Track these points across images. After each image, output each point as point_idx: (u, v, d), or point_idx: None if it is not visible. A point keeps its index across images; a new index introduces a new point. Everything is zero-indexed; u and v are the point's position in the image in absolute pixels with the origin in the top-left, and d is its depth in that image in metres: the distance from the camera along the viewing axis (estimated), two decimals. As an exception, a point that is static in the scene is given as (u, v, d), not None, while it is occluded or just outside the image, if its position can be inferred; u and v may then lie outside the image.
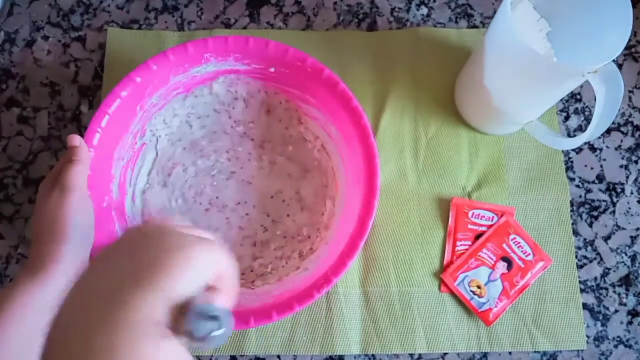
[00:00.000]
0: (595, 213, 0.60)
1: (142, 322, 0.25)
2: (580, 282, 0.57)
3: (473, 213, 0.58)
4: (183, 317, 0.26)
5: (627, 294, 0.58)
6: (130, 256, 0.27)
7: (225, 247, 0.29)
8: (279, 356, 0.55)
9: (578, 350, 0.56)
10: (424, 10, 0.65)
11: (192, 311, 0.26)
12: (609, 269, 0.58)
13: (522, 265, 0.56)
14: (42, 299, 0.42)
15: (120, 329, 0.24)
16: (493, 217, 0.58)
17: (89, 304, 0.26)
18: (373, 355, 0.55)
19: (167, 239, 0.28)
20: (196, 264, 0.27)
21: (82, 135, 0.58)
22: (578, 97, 0.63)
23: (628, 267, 0.58)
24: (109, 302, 0.25)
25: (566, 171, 0.60)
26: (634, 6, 0.45)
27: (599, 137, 0.61)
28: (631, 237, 0.59)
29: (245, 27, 0.64)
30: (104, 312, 0.25)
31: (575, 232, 0.59)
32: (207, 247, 0.28)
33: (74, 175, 0.45)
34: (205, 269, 0.28)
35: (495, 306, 0.55)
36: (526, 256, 0.56)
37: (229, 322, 0.28)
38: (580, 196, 0.60)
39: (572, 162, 0.61)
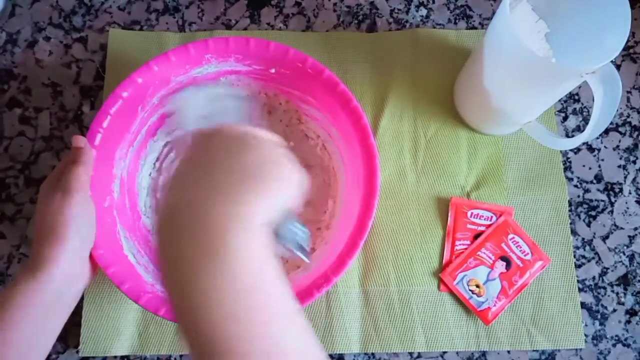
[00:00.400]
0: (593, 213, 0.60)
1: (256, 224, 0.30)
2: (578, 281, 0.58)
3: (472, 213, 0.58)
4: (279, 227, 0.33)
5: (625, 293, 0.58)
6: (236, 159, 0.32)
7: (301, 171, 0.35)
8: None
9: (576, 349, 0.56)
10: (423, 12, 0.66)
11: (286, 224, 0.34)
12: (607, 268, 0.59)
13: (521, 265, 0.57)
14: (43, 299, 0.42)
15: (238, 226, 0.29)
16: (492, 216, 0.58)
17: (207, 193, 0.30)
18: (373, 354, 0.56)
19: (268, 151, 0.33)
20: (294, 184, 0.33)
21: (83, 136, 0.59)
22: (576, 97, 0.63)
23: (626, 266, 0.59)
24: (227, 196, 0.30)
25: (564, 171, 0.61)
26: (632, 7, 0.45)
27: (597, 138, 0.62)
28: (629, 236, 0.59)
29: (245, 29, 0.64)
30: (223, 205, 0.30)
31: (574, 232, 0.59)
32: (298, 170, 0.34)
33: (78, 177, 0.46)
34: (298, 189, 0.33)
35: (494, 305, 0.56)
36: (525, 256, 0.57)
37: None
38: (579, 196, 0.60)
39: (570, 162, 0.61)
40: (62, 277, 0.43)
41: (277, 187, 0.32)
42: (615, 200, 0.60)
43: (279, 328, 0.29)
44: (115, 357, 0.55)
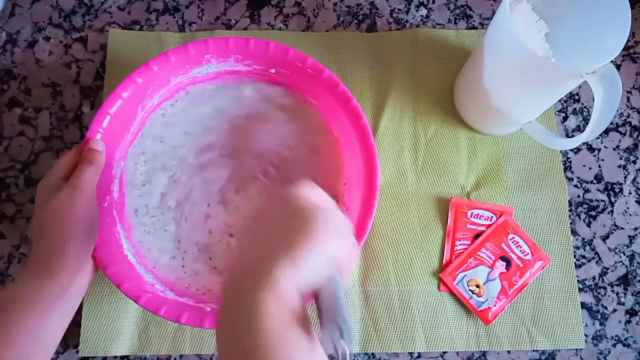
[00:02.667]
0: (593, 213, 0.60)
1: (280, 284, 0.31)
2: (578, 281, 0.58)
3: (472, 213, 0.58)
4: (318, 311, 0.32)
5: (625, 293, 0.58)
6: (281, 224, 0.33)
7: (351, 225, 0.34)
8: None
9: (576, 349, 0.56)
10: (423, 12, 0.66)
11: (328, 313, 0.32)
12: (607, 268, 0.59)
13: (521, 265, 0.57)
14: (45, 299, 0.42)
15: (260, 287, 0.31)
16: (492, 216, 0.58)
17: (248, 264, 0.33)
18: (373, 354, 0.56)
19: (320, 215, 0.33)
20: (328, 239, 0.32)
21: (83, 136, 0.59)
22: (576, 97, 0.63)
23: (626, 266, 0.59)
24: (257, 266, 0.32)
25: (564, 171, 0.61)
26: (632, 7, 0.45)
27: (597, 138, 0.62)
28: (629, 236, 0.59)
29: (245, 28, 0.64)
30: (252, 277, 0.32)
31: (574, 232, 0.59)
32: (339, 223, 0.33)
33: (89, 177, 0.46)
34: (337, 246, 0.33)
35: (494, 305, 0.56)
36: (525, 256, 0.57)
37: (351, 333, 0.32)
38: (579, 196, 0.60)
39: (570, 162, 0.61)
40: (66, 275, 0.43)
41: (308, 248, 0.32)
42: (616, 200, 0.60)
43: None
44: (115, 357, 0.55)
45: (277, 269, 0.31)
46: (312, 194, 0.36)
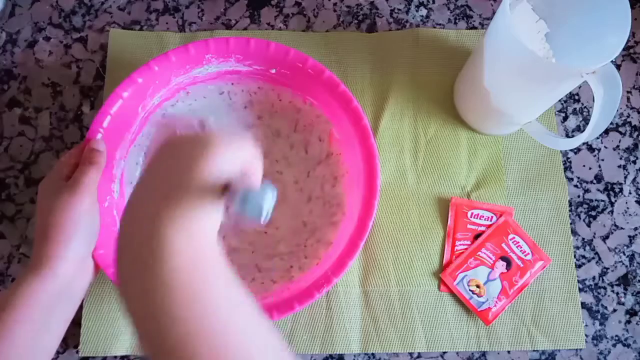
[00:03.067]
0: (593, 213, 0.60)
1: (199, 192, 0.30)
2: (578, 281, 0.58)
3: (472, 213, 0.58)
4: (230, 197, 0.31)
5: (625, 294, 0.58)
6: (180, 152, 0.32)
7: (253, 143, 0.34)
8: (279, 355, 0.55)
9: (577, 350, 0.56)
10: (423, 12, 0.66)
11: (239, 191, 0.31)
12: (607, 268, 0.59)
13: (521, 265, 0.57)
14: (47, 298, 0.42)
15: (183, 199, 0.30)
16: (492, 217, 0.58)
17: (152, 192, 0.31)
18: (373, 354, 0.56)
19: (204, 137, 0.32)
20: (231, 149, 0.32)
21: (83, 136, 0.59)
22: (576, 97, 0.63)
23: (626, 266, 0.59)
24: (169, 184, 0.30)
25: (564, 171, 0.61)
26: (632, 7, 0.45)
27: (597, 138, 0.62)
28: (629, 236, 0.59)
29: (245, 28, 0.64)
30: (166, 191, 0.30)
31: (574, 232, 0.59)
32: (239, 140, 0.33)
33: (91, 178, 0.46)
34: (238, 154, 0.32)
35: (495, 305, 0.56)
36: (525, 256, 0.57)
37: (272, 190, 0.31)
38: (579, 196, 0.60)
39: (570, 162, 0.61)
40: (67, 275, 0.43)
41: (216, 155, 0.31)
42: (616, 200, 0.60)
43: (225, 312, 0.30)
44: (115, 357, 0.55)
45: (179, 199, 0.30)
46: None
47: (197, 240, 0.30)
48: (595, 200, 0.60)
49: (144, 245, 0.29)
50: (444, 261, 0.57)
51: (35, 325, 0.41)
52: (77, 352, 0.54)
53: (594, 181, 0.61)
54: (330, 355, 0.55)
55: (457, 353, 0.56)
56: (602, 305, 0.58)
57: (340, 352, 0.55)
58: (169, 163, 0.32)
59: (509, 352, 0.56)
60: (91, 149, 0.48)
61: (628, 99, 0.63)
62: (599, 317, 0.57)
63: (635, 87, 0.64)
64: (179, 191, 0.30)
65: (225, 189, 0.31)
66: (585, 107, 0.63)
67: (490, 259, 0.57)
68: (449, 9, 0.66)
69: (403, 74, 0.62)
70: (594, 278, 0.58)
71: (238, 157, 0.32)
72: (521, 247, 0.57)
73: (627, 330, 0.57)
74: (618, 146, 0.62)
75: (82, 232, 0.44)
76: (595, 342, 0.57)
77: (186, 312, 0.29)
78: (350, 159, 0.55)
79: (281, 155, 0.58)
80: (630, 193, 0.61)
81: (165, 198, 0.30)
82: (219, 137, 0.31)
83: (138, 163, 0.56)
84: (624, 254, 0.59)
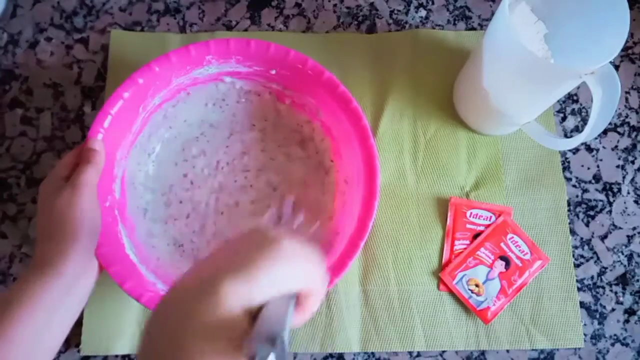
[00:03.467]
0: (592, 213, 0.60)
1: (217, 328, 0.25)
2: (577, 280, 0.58)
3: (471, 213, 0.58)
4: (253, 326, 0.26)
5: (623, 293, 0.58)
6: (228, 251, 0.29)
7: (324, 267, 0.29)
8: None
9: (575, 349, 0.56)
10: (423, 13, 0.66)
11: (259, 328, 0.26)
12: (606, 268, 0.59)
13: (520, 264, 0.57)
14: (50, 298, 0.42)
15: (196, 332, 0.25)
16: (491, 216, 0.58)
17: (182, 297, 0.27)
18: (372, 353, 0.56)
19: (270, 242, 0.28)
20: (286, 265, 0.27)
21: (84, 136, 0.60)
22: (575, 98, 0.63)
23: (625, 266, 0.59)
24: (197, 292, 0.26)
25: (563, 171, 0.61)
26: (631, 8, 0.45)
27: (596, 138, 0.62)
28: (628, 236, 0.60)
29: (246, 30, 0.65)
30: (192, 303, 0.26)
31: (572, 232, 0.60)
32: (305, 256, 0.28)
33: (89, 176, 0.46)
34: (295, 275, 0.27)
35: (493, 304, 0.56)
36: (524, 255, 0.57)
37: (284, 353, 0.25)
38: (577, 196, 0.61)
39: (569, 162, 0.62)
40: (71, 273, 0.43)
41: (262, 267, 0.27)
42: (614, 200, 0.61)
43: None
44: (117, 356, 0.55)
45: (223, 287, 0.26)
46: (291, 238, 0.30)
47: None
48: (594, 200, 0.61)
49: None
50: (443, 261, 0.58)
51: (37, 325, 0.41)
52: (79, 351, 0.54)
53: (593, 181, 0.61)
54: (330, 354, 0.56)
55: (456, 352, 0.56)
56: (601, 304, 0.58)
57: (340, 351, 0.56)
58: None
59: (507, 351, 0.56)
60: (88, 149, 0.48)
61: (626, 99, 0.64)
62: (597, 316, 0.58)
63: (634, 87, 0.64)
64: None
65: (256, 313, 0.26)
66: (583, 107, 0.63)
67: (489, 258, 0.57)
68: (448, 10, 0.66)
69: (402, 75, 0.63)
70: (592, 277, 0.59)
71: (302, 270, 0.28)
72: (520, 247, 0.57)
73: (625, 330, 0.57)
74: (616, 146, 0.62)
75: (84, 231, 0.44)
76: (593, 341, 0.57)
77: None
78: (350, 159, 0.55)
79: (281, 155, 0.58)
80: (628, 193, 0.61)
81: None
82: (319, 265, 0.28)
83: (139, 163, 0.57)
84: (623, 254, 0.59)
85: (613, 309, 0.58)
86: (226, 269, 0.27)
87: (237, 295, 0.26)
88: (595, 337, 0.57)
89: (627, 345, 0.57)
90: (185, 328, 0.26)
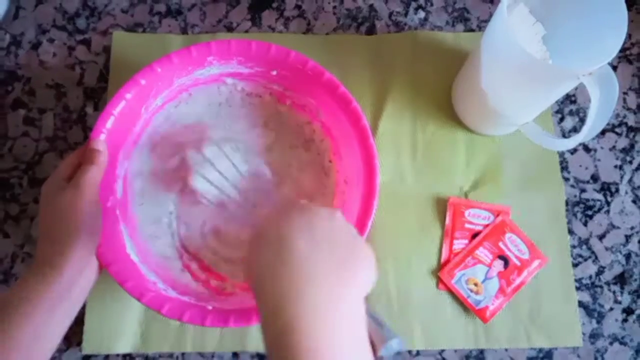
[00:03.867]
0: (590, 212, 0.61)
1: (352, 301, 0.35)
2: (575, 280, 0.58)
3: (470, 212, 0.59)
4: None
5: (622, 292, 0.59)
6: (332, 249, 0.36)
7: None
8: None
9: (574, 348, 0.57)
10: (422, 14, 0.66)
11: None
12: (604, 267, 0.59)
13: (519, 264, 0.57)
14: (49, 297, 0.42)
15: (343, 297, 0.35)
16: (489, 216, 0.59)
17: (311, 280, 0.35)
18: (372, 352, 0.56)
19: (358, 243, 0.39)
20: (373, 270, 0.38)
21: (87, 137, 0.60)
22: (573, 98, 0.64)
23: (623, 265, 0.59)
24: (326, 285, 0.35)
25: (561, 171, 0.61)
26: (628, 9, 0.46)
27: (594, 138, 0.62)
28: (625, 236, 0.60)
29: (247, 31, 0.65)
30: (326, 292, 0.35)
31: (571, 231, 0.60)
32: (374, 260, 0.39)
33: (92, 176, 0.47)
34: (374, 276, 0.38)
35: (492, 304, 0.56)
36: (522, 254, 0.57)
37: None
38: (575, 196, 0.61)
39: (567, 162, 0.62)
40: (70, 275, 0.44)
41: (362, 276, 0.37)
42: (612, 200, 0.61)
43: None
44: (118, 355, 0.55)
45: (348, 295, 0.35)
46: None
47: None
48: (592, 200, 0.61)
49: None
50: (442, 260, 0.58)
51: (36, 325, 0.41)
52: (80, 350, 0.55)
53: (591, 181, 0.62)
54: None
55: (455, 351, 0.56)
56: (599, 303, 0.58)
57: (340, 350, 0.56)
58: (339, 253, 0.37)
59: (506, 350, 0.57)
60: (91, 149, 0.49)
61: (624, 100, 0.64)
62: (595, 315, 0.58)
63: (632, 88, 0.64)
64: (350, 287, 0.36)
65: None
66: (581, 108, 0.64)
67: (488, 257, 0.57)
68: (447, 11, 0.66)
69: (402, 76, 0.63)
70: (590, 277, 0.59)
71: (375, 276, 0.38)
72: (518, 246, 0.58)
73: (623, 329, 0.58)
74: (614, 147, 0.63)
75: (84, 231, 0.44)
76: (592, 340, 0.57)
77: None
78: (349, 159, 0.55)
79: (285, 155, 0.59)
80: (626, 193, 0.61)
81: (340, 280, 0.35)
82: (372, 255, 0.39)
83: (140, 163, 0.57)
84: (621, 253, 0.60)
85: (611, 308, 0.58)
86: (345, 277, 0.36)
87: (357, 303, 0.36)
88: (594, 336, 0.57)
89: (625, 344, 0.57)
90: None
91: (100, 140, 0.50)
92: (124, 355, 0.55)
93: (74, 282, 0.44)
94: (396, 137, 0.61)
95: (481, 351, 0.56)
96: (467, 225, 0.58)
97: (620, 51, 0.63)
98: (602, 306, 0.58)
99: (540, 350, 0.57)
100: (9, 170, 0.60)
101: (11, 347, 0.40)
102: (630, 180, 0.62)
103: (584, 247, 0.60)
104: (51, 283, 0.43)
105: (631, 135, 0.63)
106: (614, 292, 0.59)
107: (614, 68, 0.65)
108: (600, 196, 0.61)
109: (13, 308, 0.41)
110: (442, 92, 0.63)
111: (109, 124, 0.51)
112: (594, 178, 0.62)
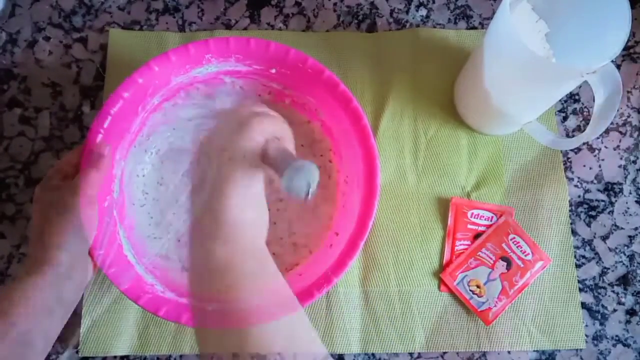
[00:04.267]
0: (593, 213, 0.60)
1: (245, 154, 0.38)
2: (578, 281, 0.58)
3: (472, 213, 0.58)
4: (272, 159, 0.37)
5: (625, 294, 0.58)
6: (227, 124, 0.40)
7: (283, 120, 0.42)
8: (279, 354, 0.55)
9: (577, 350, 0.56)
10: (423, 12, 0.66)
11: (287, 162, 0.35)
12: (607, 268, 0.59)
13: (521, 265, 0.57)
14: (42, 296, 0.42)
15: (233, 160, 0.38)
16: (492, 217, 0.58)
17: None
18: (373, 354, 0.56)
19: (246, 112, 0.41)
20: (265, 122, 0.40)
21: (83, 136, 0.59)
22: (576, 97, 0.63)
23: (626, 266, 0.59)
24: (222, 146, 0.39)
25: (565, 171, 0.61)
26: (632, 7, 0.45)
27: (598, 137, 0.62)
28: (629, 236, 0.59)
29: (245, 28, 0.64)
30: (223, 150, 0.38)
31: (574, 232, 0.59)
32: (271, 117, 0.41)
33: (93, 182, 0.46)
34: (272, 125, 0.40)
35: (495, 305, 0.56)
36: (525, 256, 0.57)
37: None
38: (579, 196, 0.60)
39: (570, 162, 0.61)
40: (62, 278, 0.43)
41: (255, 126, 0.39)
42: (616, 200, 0.60)
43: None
44: (115, 357, 0.55)
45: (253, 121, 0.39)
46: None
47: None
48: (596, 200, 0.60)
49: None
50: (444, 261, 0.57)
51: (28, 324, 0.41)
52: (77, 352, 0.54)
53: (594, 181, 0.61)
54: (331, 355, 0.55)
55: (457, 353, 0.56)
56: (602, 305, 0.58)
57: (340, 352, 0.55)
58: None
59: (509, 352, 0.56)
60: (98, 154, 0.48)
61: (628, 98, 0.63)
62: (599, 317, 0.57)
63: (636, 86, 0.64)
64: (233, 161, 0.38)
65: (264, 157, 0.37)
66: (585, 107, 0.63)
67: (491, 259, 0.57)
68: (449, 8, 0.66)
69: (403, 74, 0.62)
70: (594, 278, 0.58)
71: (270, 125, 0.40)
72: (521, 247, 0.57)
73: (627, 330, 0.57)
74: (618, 146, 0.62)
75: (79, 234, 0.44)
76: (595, 342, 0.57)
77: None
78: (350, 158, 0.55)
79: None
80: (630, 193, 0.61)
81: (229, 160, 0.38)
82: (252, 114, 0.40)
83: (138, 163, 0.56)
84: (624, 254, 0.59)
85: (615, 310, 0.58)
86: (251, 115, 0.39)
87: (262, 127, 0.39)
88: (597, 338, 0.57)
89: (628, 346, 0.57)
90: (225, 148, 0.38)
91: (106, 145, 0.49)
92: (122, 357, 0.55)
93: (67, 278, 0.44)
94: (397, 136, 0.61)
95: (483, 353, 0.56)
96: (469, 226, 0.58)
97: (624, 49, 0.62)
98: (605, 308, 0.58)
99: (543, 352, 0.56)
100: (4, 170, 0.59)
101: (3, 345, 0.40)
102: (634, 180, 0.61)
103: (588, 248, 0.59)
104: (43, 281, 0.42)
105: (635, 134, 0.62)
106: (617, 294, 0.58)
107: (618, 66, 0.64)
108: (604, 196, 0.60)
109: (4, 307, 0.41)
110: (444, 90, 0.62)
111: (106, 123, 0.50)
112: (598, 178, 0.61)
